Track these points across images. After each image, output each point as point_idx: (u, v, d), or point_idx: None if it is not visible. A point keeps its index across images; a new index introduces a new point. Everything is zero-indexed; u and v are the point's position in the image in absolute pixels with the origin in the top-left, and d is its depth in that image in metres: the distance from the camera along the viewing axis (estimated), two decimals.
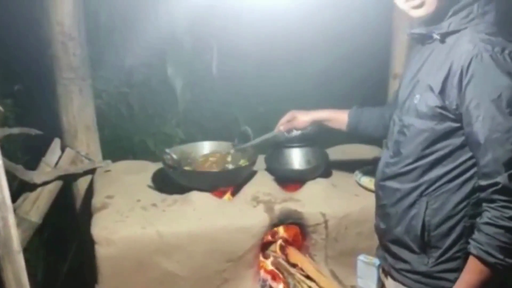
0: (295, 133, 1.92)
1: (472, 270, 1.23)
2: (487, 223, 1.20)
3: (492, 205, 1.20)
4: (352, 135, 1.82)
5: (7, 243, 0.77)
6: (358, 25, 2.84)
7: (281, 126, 1.90)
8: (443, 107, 1.24)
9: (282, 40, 3.05)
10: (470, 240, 1.23)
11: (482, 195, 1.22)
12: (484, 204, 1.22)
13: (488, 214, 1.20)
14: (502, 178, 1.17)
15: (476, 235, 1.22)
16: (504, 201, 1.18)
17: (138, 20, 2.75)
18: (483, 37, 1.20)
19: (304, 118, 1.84)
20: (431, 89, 1.25)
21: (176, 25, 2.83)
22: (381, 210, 1.48)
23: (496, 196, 1.19)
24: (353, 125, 1.75)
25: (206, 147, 2.19)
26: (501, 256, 1.18)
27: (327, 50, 3.04)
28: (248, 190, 2.02)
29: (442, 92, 1.23)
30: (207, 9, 2.82)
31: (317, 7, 2.89)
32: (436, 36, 1.28)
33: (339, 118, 1.79)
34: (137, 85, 2.90)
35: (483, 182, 1.21)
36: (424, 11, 1.28)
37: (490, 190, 1.19)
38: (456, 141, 1.26)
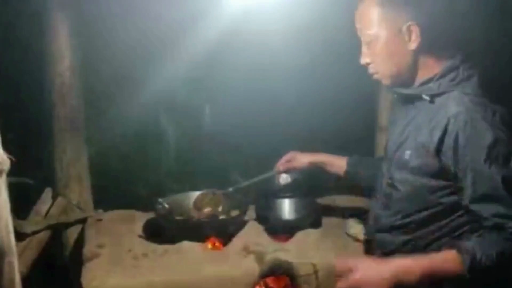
0: (287, 180, 1.98)
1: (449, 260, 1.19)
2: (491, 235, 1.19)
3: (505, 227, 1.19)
4: (347, 182, 1.88)
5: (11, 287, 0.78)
6: (345, 79, 2.96)
7: (280, 166, 1.97)
8: (439, 167, 1.26)
9: (272, 92, 3.16)
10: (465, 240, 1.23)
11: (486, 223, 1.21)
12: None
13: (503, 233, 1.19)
14: None
15: (473, 240, 1.21)
16: None
17: (134, 72, 2.85)
18: (473, 99, 1.25)
19: (303, 159, 1.91)
20: (425, 147, 1.28)
21: (170, 76, 2.93)
22: None
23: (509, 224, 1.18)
24: (351, 173, 1.80)
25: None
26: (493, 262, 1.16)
27: (314, 103, 3.14)
28: (239, 240, 2.03)
29: (438, 152, 1.25)
30: (201, 61, 2.94)
31: (304, 61, 3.02)
32: (425, 97, 1.32)
33: (337, 163, 1.84)
34: (130, 135, 2.96)
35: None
36: (387, 83, 1.38)
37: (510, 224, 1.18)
38: (448, 199, 1.28)
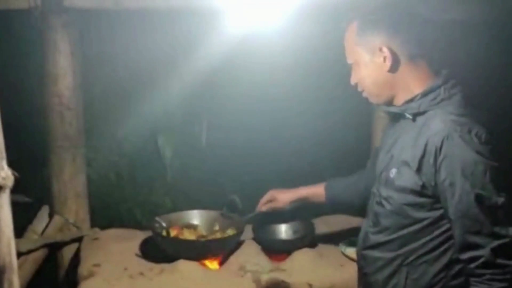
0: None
1: None
2: None
3: (479, 279, 1.23)
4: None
5: None
6: (340, 101, 3.00)
7: (262, 207, 1.99)
8: (421, 184, 1.29)
9: (268, 114, 3.19)
10: None
11: (466, 269, 1.26)
12: (470, 279, 1.25)
13: None
14: (485, 252, 1.21)
15: None
16: (490, 274, 1.21)
17: (131, 92, 2.88)
18: (453, 118, 1.27)
19: (283, 198, 1.94)
20: (408, 165, 1.31)
21: (168, 97, 2.96)
22: (364, 278, 1.50)
23: (481, 271, 1.22)
24: (331, 200, 1.84)
25: (195, 215, 2.21)
26: None
27: (311, 124, 3.17)
28: (236, 259, 2.03)
29: (419, 170, 1.28)
30: (198, 83, 2.97)
31: (301, 85, 3.07)
32: (408, 116, 1.36)
33: (317, 193, 1.87)
34: (127, 155, 2.97)
35: (464, 256, 1.25)
36: (373, 102, 1.44)
37: (474, 264, 1.23)
38: (432, 214, 1.30)
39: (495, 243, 1.21)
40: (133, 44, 2.64)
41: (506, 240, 1.21)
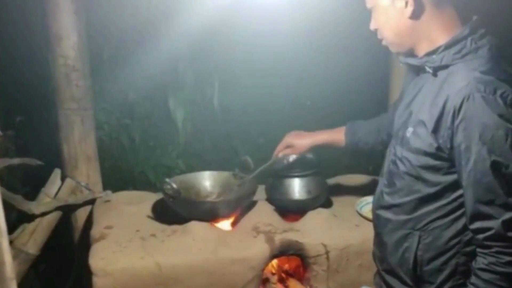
0: (293, 157, 1.93)
1: None
2: (483, 269, 1.18)
3: (486, 251, 1.18)
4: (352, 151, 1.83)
5: (0, 269, 0.74)
6: (357, 55, 2.89)
7: (279, 154, 1.91)
8: (436, 146, 1.21)
9: (282, 72, 3.10)
10: (468, 284, 1.22)
11: (474, 240, 1.21)
12: (478, 250, 1.20)
13: (484, 260, 1.18)
14: (495, 224, 1.15)
15: (473, 279, 1.20)
16: (498, 246, 1.16)
17: (141, 54, 2.81)
18: (477, 75, 1.16)
19: (301, 144, 1.84)
20: (424, 125, 1.23)
21: (178, 59, 2.89)
22: (378, 238, 1.47)
23: (489, 243, 1.17)
24: (352, 144, 1.77)
25: (206, 177, 2.18)
26: None
27: (326, 80, 3.08)
28: (249, 220, 2.00)
29: (436, 131, 1.20)
30: (208, 44, 2.89)
31: (316, 39, 2.96)
32: (428, 70, 1.27)
33: (337, 139, 1.80)
34: (138, 117, 2.93)
35: (473, 226, 1.19)
36: (393, 51, 1.35)
37: (483, 236, 1.17)
38: (448, 178, 1.24)
39: (508, 215, 1.14)
40: (139, 2, 2.55)
41: None
